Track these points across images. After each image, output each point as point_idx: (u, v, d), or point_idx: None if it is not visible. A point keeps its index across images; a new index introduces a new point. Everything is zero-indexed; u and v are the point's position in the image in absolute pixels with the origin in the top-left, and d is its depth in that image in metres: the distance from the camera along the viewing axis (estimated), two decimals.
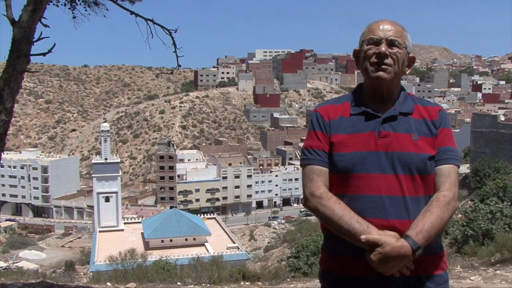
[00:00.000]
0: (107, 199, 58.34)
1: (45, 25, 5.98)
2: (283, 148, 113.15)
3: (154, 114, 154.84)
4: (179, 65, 8.14)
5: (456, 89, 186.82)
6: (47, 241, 72.25)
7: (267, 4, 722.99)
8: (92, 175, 63.76)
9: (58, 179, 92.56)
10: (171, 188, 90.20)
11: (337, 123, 2.43)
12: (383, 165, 2.31)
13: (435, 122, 2.43)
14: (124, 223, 56.80)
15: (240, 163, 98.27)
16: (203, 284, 12.15)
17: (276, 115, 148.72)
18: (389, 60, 2.35)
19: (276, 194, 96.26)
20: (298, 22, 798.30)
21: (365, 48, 2.40)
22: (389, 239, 2.15)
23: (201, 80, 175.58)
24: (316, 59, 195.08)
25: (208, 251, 42.77)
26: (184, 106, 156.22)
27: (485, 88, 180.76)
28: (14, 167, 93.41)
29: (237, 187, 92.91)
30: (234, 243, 47.59)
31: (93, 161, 64.38)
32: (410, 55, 2.45)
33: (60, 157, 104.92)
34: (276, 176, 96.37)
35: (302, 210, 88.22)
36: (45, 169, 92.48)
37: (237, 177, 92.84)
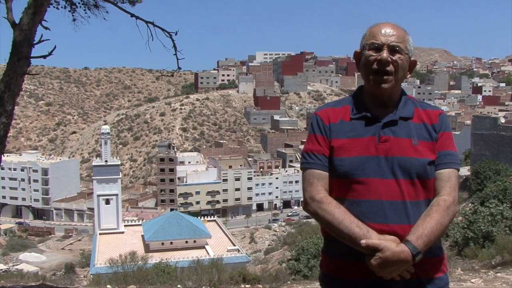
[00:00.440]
0: (107, 202, 58.28)
1: (46, 28, 6.00)
2: (283, 151, 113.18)
3: (155, 116, 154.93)
4: (179, 68, 8.16)
5: (456, 91, 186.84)
6: (47, 243, 72.09)
7: (267, 7, 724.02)
8: (93, 178, 63.74)
9: (58, 181, 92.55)
10: (172, 191, 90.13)
11: (338, 127, 2.43)
12: (383, 170, 2.31)
13: (435, 126, 2.43)
14: (125, 226, 56.73)
15: (241, 165, 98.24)
16: (204, 287, 12.14)
17: (276, 117, 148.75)
18: (390, 68, 2.35)
19: (277, 197, 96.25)
20: (299, 25, 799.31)
21: (366, 54, 2.39)
22: (389, 244, 2.15)
23: (202, 83, 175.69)
24: (317, 61, 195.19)
25: (208, 253, 42.72)
26: (184, 109, 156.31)
27: (485, 91, 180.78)
28: (15, 169, 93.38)
29: (237, 189, 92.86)
30: (234, 245, 47.52)
31: (93, 164, 64.31)
32: (412, 59, 2.44)
33: (60, 159, 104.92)
34: (277, 178, 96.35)
35: (290, 214, 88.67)
36: (45, 172, 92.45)
37: (237, 179, 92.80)
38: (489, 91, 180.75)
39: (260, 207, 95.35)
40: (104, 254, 41.61)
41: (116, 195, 59.14)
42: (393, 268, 2.15)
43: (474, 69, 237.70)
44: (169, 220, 48.35)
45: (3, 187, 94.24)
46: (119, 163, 65.08)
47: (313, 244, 24.16)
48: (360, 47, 2.47)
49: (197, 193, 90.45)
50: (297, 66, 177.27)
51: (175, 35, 7.65)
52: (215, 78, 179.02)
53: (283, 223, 79.53)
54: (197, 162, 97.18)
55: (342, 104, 2.51)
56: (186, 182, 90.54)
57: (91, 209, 70.49)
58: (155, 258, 32.79)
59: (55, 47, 6.07)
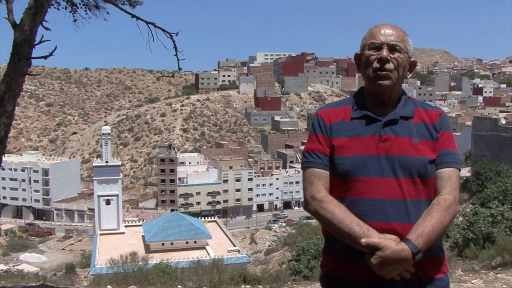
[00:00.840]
0: (108, 202, 58.29)
1: (46, 28, 6.00)
2: (284, 151, 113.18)
3: (155, 117, 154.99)
4: (180, 68, 8.17)
5: (457, 92, 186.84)
6: (48, 244, 72.07)
7: (268, 7, 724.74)
8: (93, 178, 63.72)
9: (59, 182, 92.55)
10: (172, 191, 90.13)
11: (338, 126, 2.44)
12: (384, 169, 2.32)
13: (436, 125, 2.43)
14: (125, 226, 56.75)
15: (241, 166, 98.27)
16: (204, 287, 12.13)
17: (277, 118, 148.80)
18: (390, 65, 2.36)
19: (277, 197, 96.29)
20: (299, 25, 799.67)
21: (366, 53, 2.41)
22: (389, 243, 2.16)
23: (202, 83, 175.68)
24: (317, 62, 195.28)
25: (208, 254, 42.71)
26: (185, 109, 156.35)
27: (486, 92, 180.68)
28: (15, 169, 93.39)
29: (238, 190, 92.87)
30: (235, 246, 47.53)
31: (94, 164, 64.30)
32: (412, 59, 2.46)
33: (61, 160, 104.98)
34: (277, 179, 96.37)
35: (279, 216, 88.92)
36: (46, 172, 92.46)
37: (238, 180, 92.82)
38: (490, 92, 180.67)
39: (260, 208, 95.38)
40: (104, 255, 41.65)
41: (117, 195, 59.15)
42: (393, 267, 2.15)
43: (475, 70, 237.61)
44: (170, 221, 48.36)
45: (4, 188, 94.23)
46: (120, 163, 65.10)
47: (313, 244, 24.19)
48: (360, 49, 2.49)
49: (198, 193, 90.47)
50: (298, 66, 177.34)
51: (176, 35, 7.66)
52: (215, 78, 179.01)
53: (284, 224, 79.56)
54: (198, 162, 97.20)
55: (343, 105, 2.53)
56: (186, 182, 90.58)
57: (92, 210, 70.47)
58: (155, 259, 32.78)
59: (55, 47, 6.07)
